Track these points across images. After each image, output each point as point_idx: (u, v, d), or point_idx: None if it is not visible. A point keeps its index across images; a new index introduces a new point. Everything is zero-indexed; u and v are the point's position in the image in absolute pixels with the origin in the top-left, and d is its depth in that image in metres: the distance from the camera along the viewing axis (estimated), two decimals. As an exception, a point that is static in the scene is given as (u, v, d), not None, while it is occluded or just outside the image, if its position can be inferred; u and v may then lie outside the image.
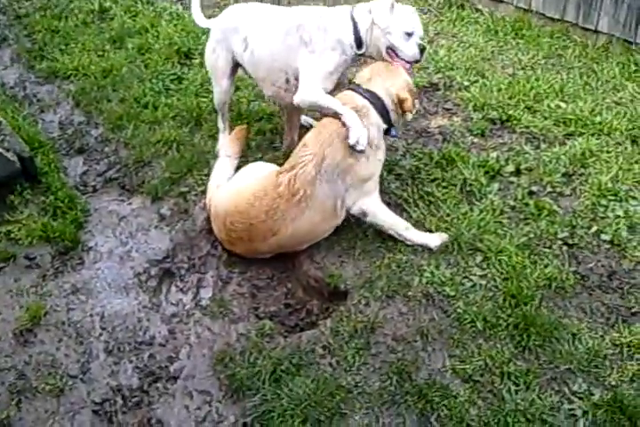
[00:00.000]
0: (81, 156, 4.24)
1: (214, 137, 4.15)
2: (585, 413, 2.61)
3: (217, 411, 2.78)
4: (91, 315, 3.19)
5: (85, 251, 3.53)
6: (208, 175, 3.82)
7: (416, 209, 3.59)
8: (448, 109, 4.35)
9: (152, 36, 5.28)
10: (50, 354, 3.02)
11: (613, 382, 2.68)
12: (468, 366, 2.82)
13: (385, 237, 3.37)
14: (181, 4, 5.80)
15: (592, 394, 2.66)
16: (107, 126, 4.41)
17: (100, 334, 3.10)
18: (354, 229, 3.45)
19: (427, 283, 3.19)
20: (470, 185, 3.69)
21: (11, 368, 3.03)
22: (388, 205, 3.58)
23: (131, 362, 2.98)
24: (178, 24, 5.41)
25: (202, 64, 4.81)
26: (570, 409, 2.63)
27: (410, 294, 3.15)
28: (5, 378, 2.99)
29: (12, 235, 3.65)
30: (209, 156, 4.04)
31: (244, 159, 3.92)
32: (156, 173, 4.01)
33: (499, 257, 3.25)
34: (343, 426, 2.67)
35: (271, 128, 4.22)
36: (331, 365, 2.88)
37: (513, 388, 2.72)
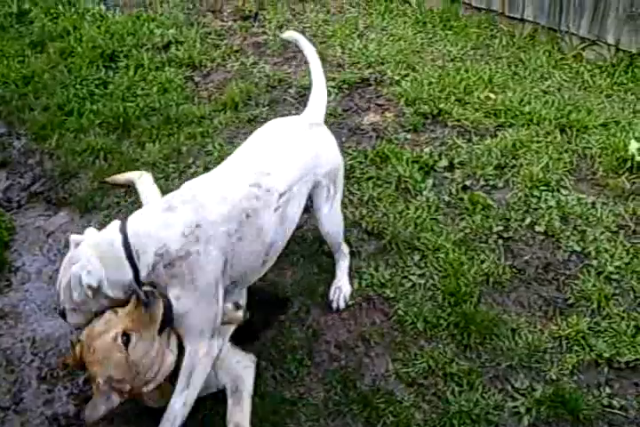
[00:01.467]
0: (4, 170, 4.01)
1: (142, 144, 3.99)
2: (528, 409, 2.59)
3: None
4: (21, 340, 3.01)
5: (12, 272, 3.35)
6: (138, 185, 3.67)
7: (353, 210, 3.52)
8: (380, 105, 4.28)
9: (75, 38, 5.03)
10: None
11: (554, 377, 2.67)
12: (411, 370, 2.77)
13: (323, 241, 3.28)
14: (104, 4, 5.55)
15: (534, 390, 2.65)
16: (30, 137, 4.20)
17: (32, 361, 2.92)
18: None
19: (366, 286, 3.13)
20: (405, 182, 3.64)
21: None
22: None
23: (65, 388, 2.82)
24: (101, 26, 5.16)
25: (127, 67, 4.65)
26: (514, 407, 2.60)
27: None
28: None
29: None
30: (138, 164, 3.88)
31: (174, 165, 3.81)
32: (84, 184, 3.83)
33: (436, 255, 3.22)
34: (289, 441, 2.60)
35: (202, 131, 4.08)
36: (274, 378, 2.80)
37: (457, 389, 2.69)
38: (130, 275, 2.37)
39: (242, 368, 2.69)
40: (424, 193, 3.56)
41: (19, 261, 3.42)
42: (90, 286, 2.34)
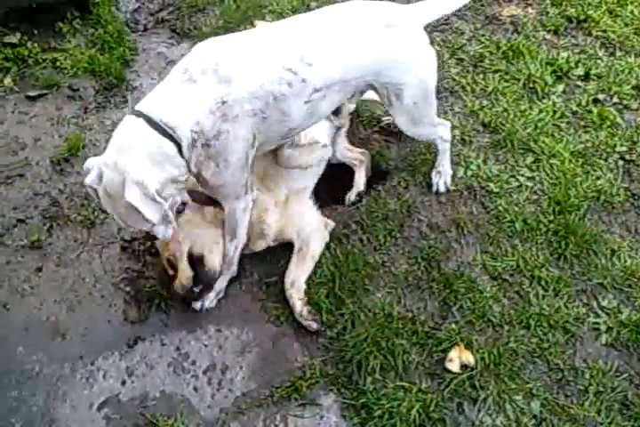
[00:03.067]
0: (133, -8, 3.76)
1: (275, -8, 3.64)
2: (609, 329, 2.39)
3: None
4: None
5: (130, 90, 3.20)
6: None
7: (473, 98, 3.19)
8: (524, -1, 3.78)
9: None
10: (84, 186, 2.77)
11: (644, 305, 2.44)
12: (498, 264, 2.57)
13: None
14: None
15: (620, 312, 2.43)
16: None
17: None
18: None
19: (471, 176, 2.88)
20: (534, 82, 3.25)
21: (45, 194, 2.85)
22: (445, 89, 3.20)
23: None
24: None
25: None
26: (595, 323, 2.41)
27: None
28: (39, 203, 2.82)
29: (58, 63, 3.35)
30: (265, 11, 3.57)
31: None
32: (210, 20, 3.58)
33: (550, 161, 2.91)
34: (365, 301, 2.47)
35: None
36: (361, 241, 2.65)
37: (541, 292, 2.49)
38: (173, 148, 2.07)
39: (313, 231, 2.59)
40: (552, 97, 3.18)
41: (137, 81, 3.27)
42: (157, 191, 2.03)
